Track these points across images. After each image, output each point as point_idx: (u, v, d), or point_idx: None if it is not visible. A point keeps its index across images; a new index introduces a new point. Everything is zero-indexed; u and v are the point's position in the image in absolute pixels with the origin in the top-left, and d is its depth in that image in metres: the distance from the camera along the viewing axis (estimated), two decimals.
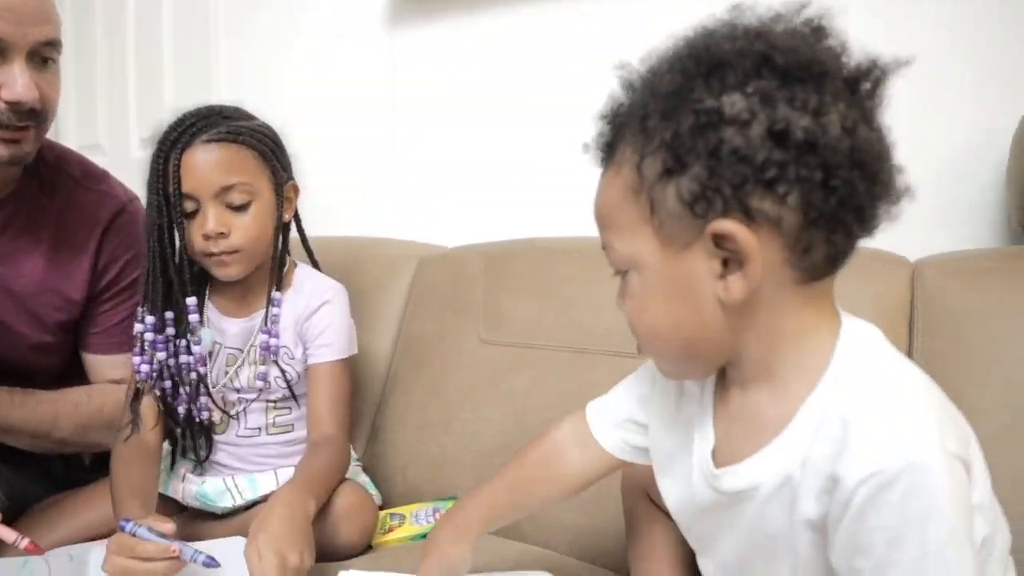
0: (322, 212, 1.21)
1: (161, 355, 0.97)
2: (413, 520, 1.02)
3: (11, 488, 1.04)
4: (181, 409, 1.01)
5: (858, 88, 0.50)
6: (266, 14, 1.71)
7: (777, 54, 0.48)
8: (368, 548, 0.98)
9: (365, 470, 1.15)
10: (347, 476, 1.02)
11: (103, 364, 1.09)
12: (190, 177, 0.93)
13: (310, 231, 1.14)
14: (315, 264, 1.13)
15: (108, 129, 2.02)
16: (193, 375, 1.00)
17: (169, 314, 0.97)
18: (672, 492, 0.65)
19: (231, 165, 0.94)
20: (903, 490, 0.46)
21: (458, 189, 1.45)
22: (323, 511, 0.91)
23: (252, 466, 1.05)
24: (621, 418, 0.73)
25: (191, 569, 0.81)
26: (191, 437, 1.04)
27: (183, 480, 1.05)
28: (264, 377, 1.01)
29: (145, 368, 0.97)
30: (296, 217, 1.08)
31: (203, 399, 1.01)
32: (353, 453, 1.16)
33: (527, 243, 1.21)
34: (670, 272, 0.52)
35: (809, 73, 0.48)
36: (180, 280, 0.96)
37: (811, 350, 0.53)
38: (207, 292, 1.05)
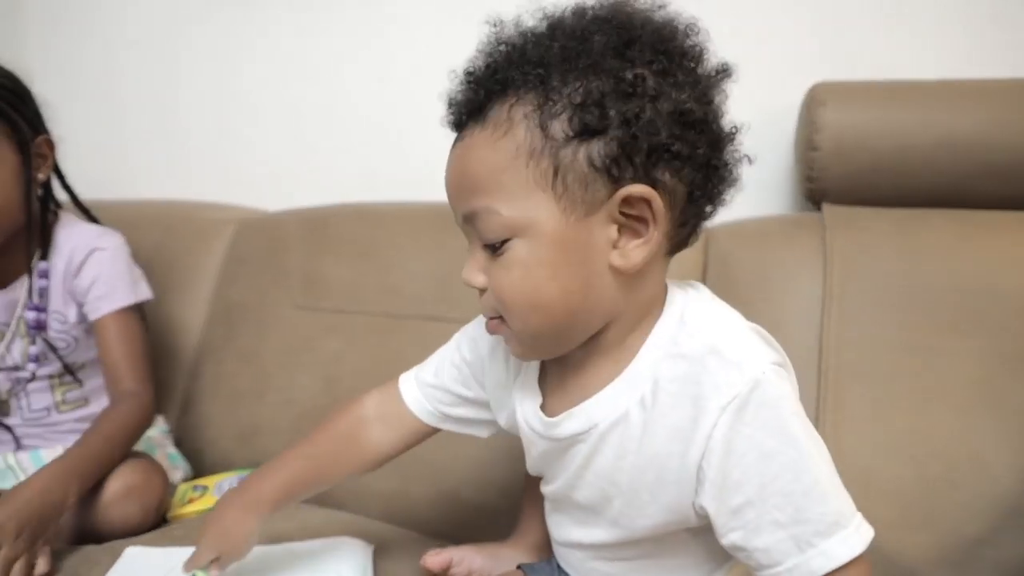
0: (140, 172, 1.14)
1: None
2: (216, 491, 0.98)
3: None
4: None
5: (719, 80, 0.53)
6: None
7: (676, 41, 0.51)
8: (163, 522, 0.94)
9: (177, 444, 1.10)
10: (152, 449, 0.97)
11: None
12: None
13: (122, 193, 1.06)
14: (90, 216, 1.03)
15: None
16: None
17: None
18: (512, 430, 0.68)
19: None
20: (756, 405, 0.49)
21: (278, 155, 1.40)
22: (97, 491, 0.86)
23: (45, 442, 0.98)
24: (435, 386, 0.72)
25: None
26: None
27: None
28: (36, 358, 0.94)
29: None
30: (58, 173, 0.98)
31: None
32: (164, 424, 1.11)
33: (346, 208, 1.19)
34: (566, 238, 0.51)
35: (694, 62, 0.52)
36: None
37: (655, 315, 0.56)
38: None
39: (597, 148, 0.49)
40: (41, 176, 0.93)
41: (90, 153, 0.93)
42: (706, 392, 0.51)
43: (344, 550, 0.81)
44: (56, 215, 0.98)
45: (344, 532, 0.89)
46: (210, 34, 1.45)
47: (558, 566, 0.70)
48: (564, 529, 0.65)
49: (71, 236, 0.96)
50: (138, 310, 0.99)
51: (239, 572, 0.77)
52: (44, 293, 0.93)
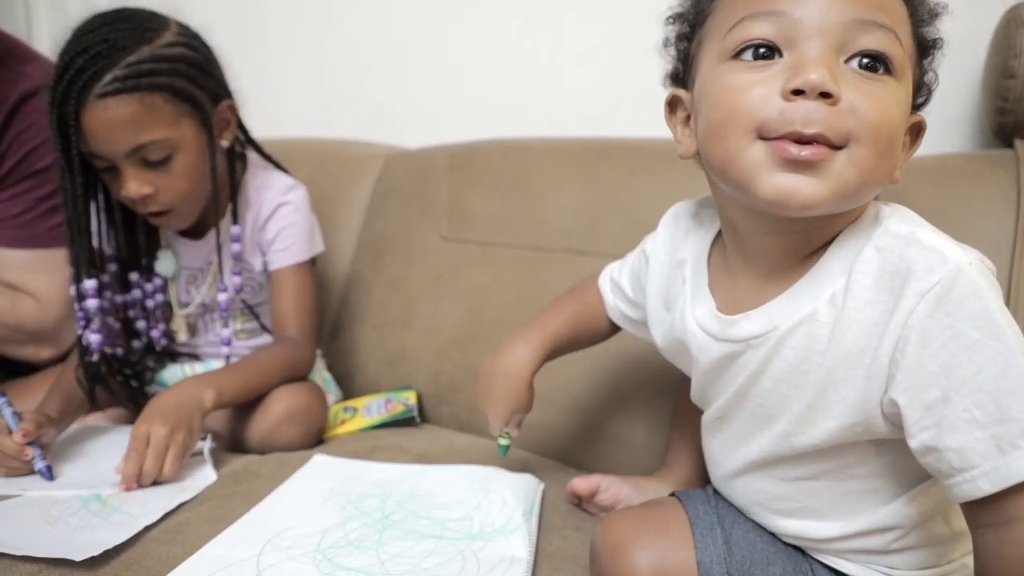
0: (288, 112, 1.18)
1: (110, 317, 0.94)
2: (365, 412, 1.02)
3: None
4: (137, 344, 0.99)
5: None
6: None
7: None
8: (321, 443, 0.97)
9: (328, 368, 1.15)
10: (311, 374, 1.01)
11: None
12: (94, 140, 0.82)
13: (270, 132, 1.10)
14: (275, 164, 1.06)
15: None
16: (154, 301, 0.98)
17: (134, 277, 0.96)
18: (668, 349, 0.68)
19: (137, 122, 0.81)
20: (959, 295, 0.46)
21: (425, 92, 1.41)
22: (263, 413, 0.90)
23: (219, 360, 1.03)
24: (616, 283, 0.75)
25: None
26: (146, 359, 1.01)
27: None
28: (227, 305, 0.98)
29: (95, 338, 0.89)
30: (242, 129, 1.00)
31: (161, 326, 1.00)
32: (318, 351, 1.16)
33: (492, 143, 1.18)
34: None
35: None
36: (85, 259, 0.88)
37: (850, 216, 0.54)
38: None
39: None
40: (224, 142, 0.93)
41: (236, 94, 0.95)
42: (905, 280, 0.47)
43: (514, 480, 0.81)
44: (244, 168, 1.00)
45: (484, 457, 0.90)
46: None
47: (714, 491, 0.67)
48: (727, 453, 0.63)
49: (260, 190, 0.99)
50: (312, 262, 1.03)
51: (409, 479, 0.79)
52: (236, 238, 0.97)
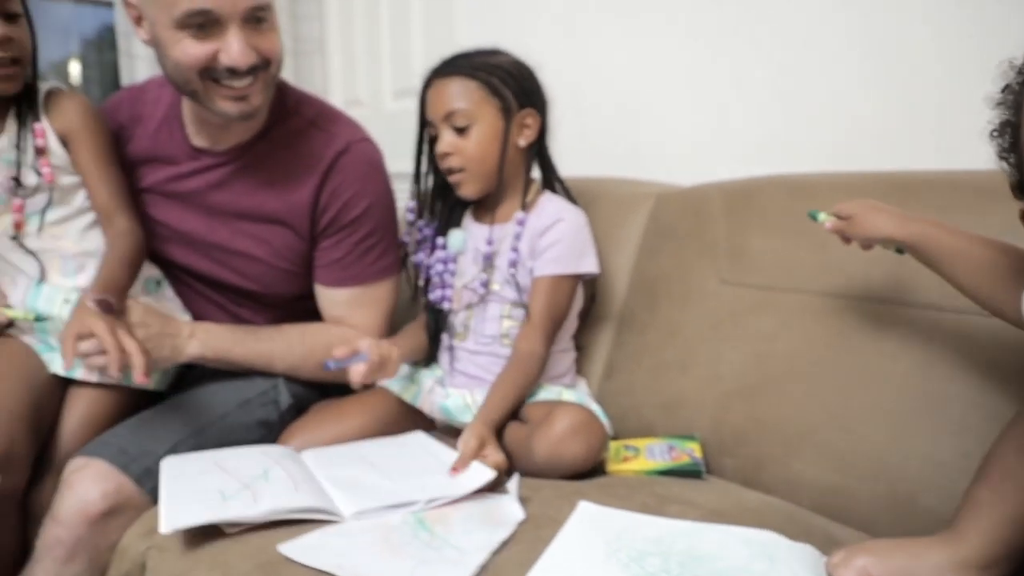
0: (558, 152, 1.21)
1: (420, 256, 1.17)
2: (647, 454, 1.01)
3: (293, 390, 1.18)
4: (433, 296, 1.16)
5: None
6: None
7: None
8: (599, 472, 0.99)
9: (598, 403, 1.16)
10: (576, 402, 1.06)
11: (325, 296, 1.19)
12: (428, 107, 1.11)
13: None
14: (564, 189, 1.18)
15: (366, 84, 2.19)
16: (439, 266, 1.15)
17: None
18: None
19: (454, 94, 1.07)
20: None
21: (693, 129, 1.38)
22: (546, 428, 0.95)
23: (490, 376, 1.09)
24: None
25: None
26: (435, 331, 1.17)
27: (429, 392, 1.15)
28: (505, 284, 1.10)
29: (417, 258, 1.18)
30: (542, 145, 1.15)
31: (447, 291, 1.15)
32: (585, 387, 1.18)
33: (772, 179, 1.13)
34: None
35: None
36: (425, 191, 1.16)
37: None
38: (471, 204, 1.19)
39: None
40: (521, 142, 1.11)
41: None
42: None
43: (799, 550, 0.76)
44: (543, 185, 1.16)
45: (781, 519, 0.85)
46: (619, 11, 1.49)
47: None
48: None
49: (547, 204, 1.13)
50: (575, 280, 1.11)
51: (684, 538, 0.78)
52: (519, 236, 1.10)
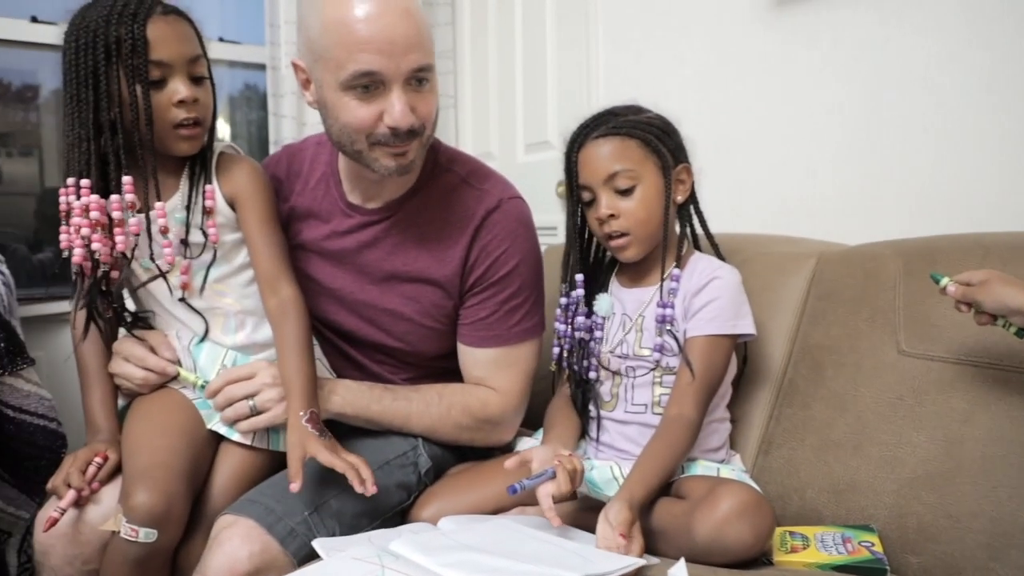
0: (704, 208, 1.16)
1: (561, 325, 1.10)
2: (819, 544, 0.91)
3: (432, 451, 1.15)
4: (579, 365, 1.10)
5: None
6: (645, 15, 1.71)
7: None
8: (764, 560, 0.90)
9: (755, 482, 1.07)
10: (742, 481, 0.97)
11: (468, 355, 1.16)
12: (584, 170, 1.05)
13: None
14: (714, 245, 1.14)
15: (499, 137, 2.21)
16: (582, 334, 1.09)
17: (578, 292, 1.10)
18: None
19: (614, 155, 1.03)
20: None
21: (848, 182, 1.29)
22: (709, 506, 0.87)
23: (638, 448, 1.02)
24: None
25: None
26: (582, 402, 1.10)
27: None
28: (660, 348, 1.04)
29: (560, 327, 1.10)
30: (694, 199, 1.11)
31: (593, 360, 1.09)
32: (740, 463, 1.09)
33: (954, 239, 1.02)
34: None
35: None
36: (576, 259, 1.10)
37: None
38: (617, 267, 1.15)
39: None
40: (679, 198, 1.07)
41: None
42: None
43: None
44: (692, 243, 1.11)
45: None
46: (768, 58, 1.42)
47: None
48: None
49: (699, 261, 1.09)
50: (731, 341, 1.04)
51: None
52: (673, 293, 1.05)
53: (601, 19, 1.83)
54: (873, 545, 0.89)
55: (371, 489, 0.94)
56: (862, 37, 1.27)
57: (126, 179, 0.98)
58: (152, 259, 1.02)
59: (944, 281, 0.86)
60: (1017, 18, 1.09)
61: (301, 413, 0.98)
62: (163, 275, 1.03)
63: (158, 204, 1.00)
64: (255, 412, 1.04)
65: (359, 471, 0.95)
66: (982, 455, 0.87)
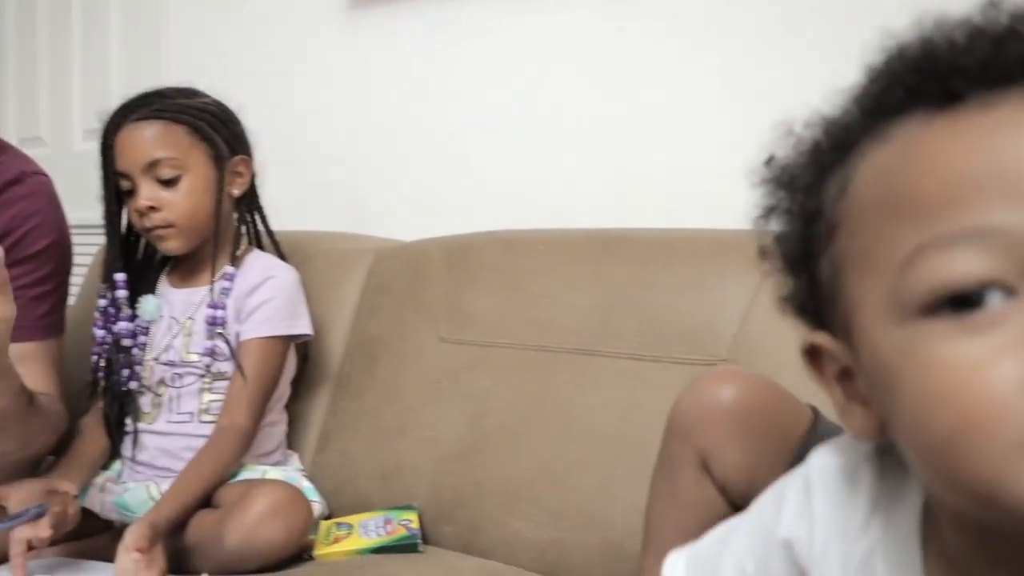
0: (268, 204, 1.13)
1: (100, 331, 0.99)
2: (361, 531, 0.93)
3: None
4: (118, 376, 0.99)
5: None
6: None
7: None
8: (305, 557, 0.89)
9: (310, 479, 1.05)
10: (283, 480, 0.95)
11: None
12: (121, 156, 0.96)
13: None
14: (274, 244, 1.09)
15: (50, 121, 1.90)
16: (127, 342, 0.99)
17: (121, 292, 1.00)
18: None
19: (156, 141, 0.96)
20: None
21: (415, 182, 1.37)
22: (240, 512, 0.84)
23: (180, 464, 0.94)
24: None
25: None
26: (118, 417, 0.99)
27: (101, 490, 0.95)
28: (210, 352, 0.97)
29: (99, 333, 1.00)
30: (253, 195, 1.06)
31: (136, 368, 0.99)
32: (297, 462, 1.07)
33: (490, 236, 1.13)
34: None
35: None
36: (116, 255, 1.00)
37: None
38: (169, 266, 1.06)
39: None
40: (235, 191, 1.02)
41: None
42: None
43: None
44: (250, 240, 1.06)
45: None
46: (341, 60, 1.45)
47: None
48: None
49: (255, 261, 1.04)
50: (286, 343, 1.02)
51: None
52: (226, 293, 0.99)
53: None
54: (411, 523, 0.94)
55: None
56: (433, 44, 1.35)
57: None
58: None
59: None
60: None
61: None
62: None
63: None
64: None
65: None
66: (499, 425, 0.97)
